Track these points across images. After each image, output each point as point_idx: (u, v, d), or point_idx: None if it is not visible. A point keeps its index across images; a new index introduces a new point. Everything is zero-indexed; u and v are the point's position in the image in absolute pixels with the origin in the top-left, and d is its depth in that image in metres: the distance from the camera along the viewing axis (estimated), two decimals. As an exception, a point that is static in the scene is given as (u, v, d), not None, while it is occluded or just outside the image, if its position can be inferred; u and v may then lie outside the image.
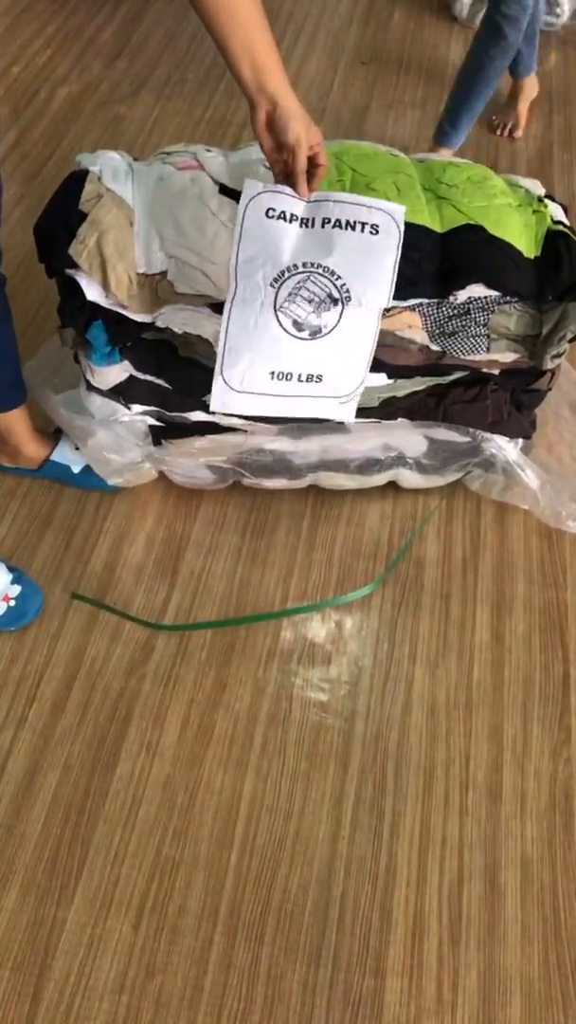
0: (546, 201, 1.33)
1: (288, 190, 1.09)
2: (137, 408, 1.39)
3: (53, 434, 1.56)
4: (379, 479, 1.53)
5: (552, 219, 1.30)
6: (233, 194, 1.27)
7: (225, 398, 1.20)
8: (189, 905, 1.16)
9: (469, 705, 1.36)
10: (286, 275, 1.12)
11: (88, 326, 1.26)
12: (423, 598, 1.47)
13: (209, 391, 1.32)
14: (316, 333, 1.17)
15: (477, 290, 1.25)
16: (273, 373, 1.18)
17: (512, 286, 1.25)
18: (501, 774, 1.29)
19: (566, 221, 1.33)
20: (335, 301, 1.14)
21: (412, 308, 1.27)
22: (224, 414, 1.29)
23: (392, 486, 1.57)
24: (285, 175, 1.08)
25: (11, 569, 1.41)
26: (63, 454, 1.53)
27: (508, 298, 1.27)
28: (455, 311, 1.27)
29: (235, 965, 1.12)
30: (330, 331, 1.17)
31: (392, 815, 1.25)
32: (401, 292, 1.24)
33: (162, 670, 1.36)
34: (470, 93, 2.06)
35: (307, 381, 1.20)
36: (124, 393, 1.36)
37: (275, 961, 1.13)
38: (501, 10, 1.90)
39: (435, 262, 1.25)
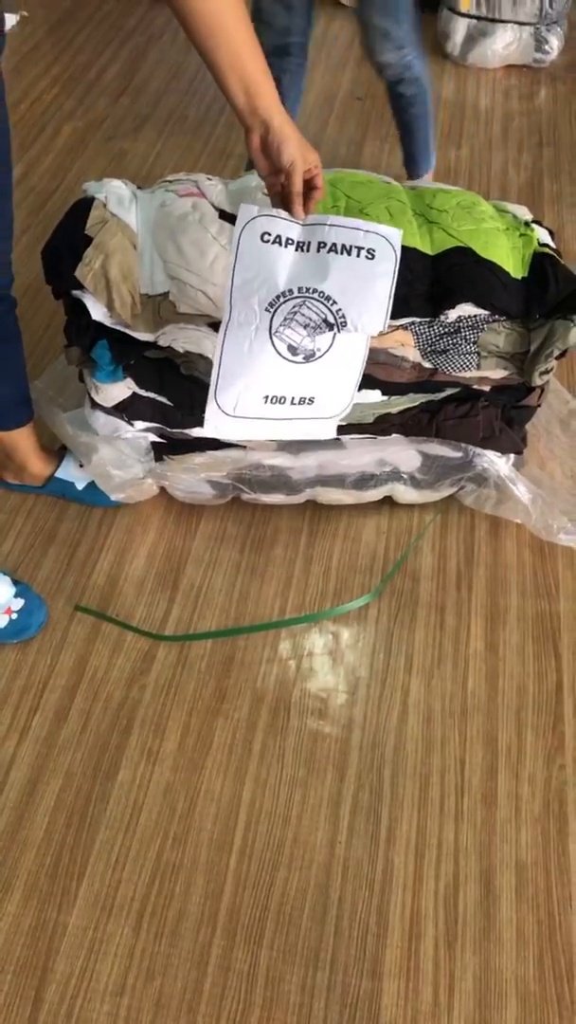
0: (533, 225, 1.39)
1: (284, 213, 1.10)
2: (139, 425, 1.44)
3: (58, 452, 1.60)
4: (375, 494, 1.57)
5: (539, 242, 1.36)
6: (232, 219, 1.32)
7: (218, 422, 1.22)
8: (189, 909, 1.18)
9: (464, 713, 1.38)
10: (281, 300, 1.14)
11: (93, 345, 1.31)
12: (418, 610, 1.50)
13: (207, 407, 1.37)
14: (310, 357, 1.19)
15: (467, 309, 1.30)
16: (267, 397, 1.20)
17: (500, 305, 1.30)
18: (496, 780, 1.31)
19: (552, 244, 1.39)
20: (330, 326, 1.16)
21: (404, 327, 1.32)
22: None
23: (388, 501, 1.61)
24: (281, 198, 1.10)
25: (15, 583, 1.44)
26: (67, 471, 1.57)
27: (497, 317, 1.32)
28: (446, 329, 1.32)
29: (234, 968, 1.14)
30: (323, 354, 1.19)
31: (389, 820, 1.27)
32: (394, 312, 1.29)
33: (163, 680, 1.39)
34: (411, 134, 2.12)
35: (300, 404, 1.23)
36: (127, 410, 1.41)
37: (273, 964, 1.14)
38: (383, 74, 1.94)
39: (426, 283, 1.30)
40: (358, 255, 1.12)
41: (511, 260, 1.32)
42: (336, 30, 2.98)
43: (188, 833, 1.24)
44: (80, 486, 1.57)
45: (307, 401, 1.23)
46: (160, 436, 1.47)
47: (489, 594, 1.53)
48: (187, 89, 2.68)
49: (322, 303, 1.14)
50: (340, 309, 1.15)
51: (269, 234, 1.11)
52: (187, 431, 1.44)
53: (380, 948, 1.16)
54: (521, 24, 2.77)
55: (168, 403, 1.40)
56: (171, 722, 1.35)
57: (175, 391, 1.38)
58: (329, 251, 1.12)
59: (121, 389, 1.37)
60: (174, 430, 1.44)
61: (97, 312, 1.27)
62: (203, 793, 1.28)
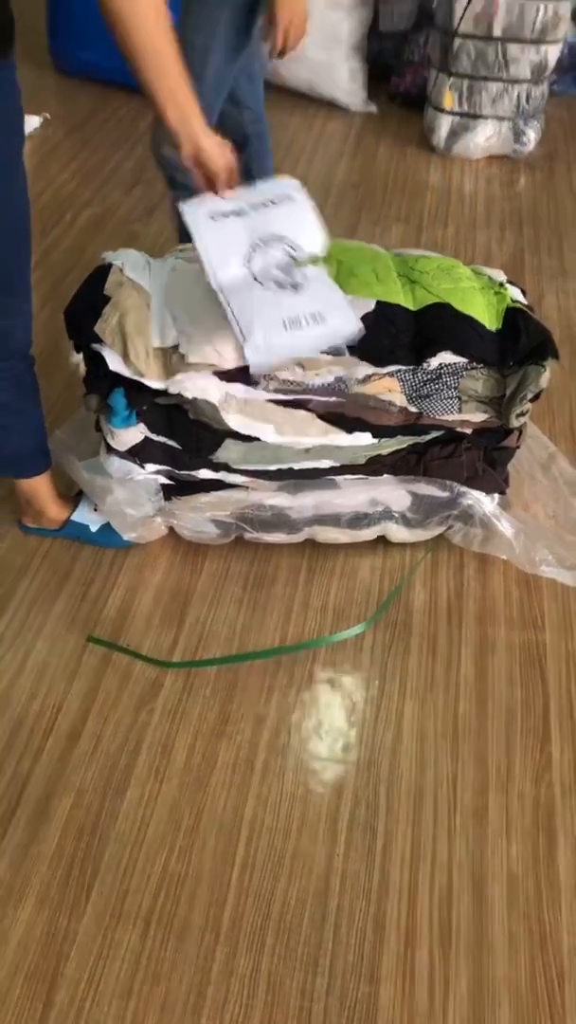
0: (506, 285, 1.54)
1: (212, 196, 1.34)
2: (151, 467, 1.56)
3: (73, 497, 1.73)
4: (369, 533, 1.68)
5: (511, 299, 1.51)
6: (235, 281, 1.48)
7: (258, 359, 1.32)
8: (193, 917, 1.23)
9: (456, 734, 1.45)
10: (252, 253, 1.34)
11: (110, 392, 1.44)
12: (411, 640, 1.59)
13: (214, 451, 1.50)
14: (297, 286, 1.35)
15: (447, 357, 1.44)
16: (284, 322, 1.33)
17: (477, 353, 1.44)
18: (487, 797, 1.38)
19: (524, 300, 1.54)
20: (293, 259, 1.37)
21: (391, 374, 1.45)
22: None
23: (382, 540, 1.72)
24: (208, 186, 1.34)
25: None
26: (82, 515, 1.69)
27: (475, 364, 1.46)
28: (429, 376, 1.46)
29: (236, 972, 1.19)
30: (306, 281, 1.36)
31: (384, 834, 1.33)
32: (380, 360, 1.44)
33: (170, 704, 1.47)
34: None
35: (312, 321, 1.34)
36: (139, 454, 1.53)
37: (274, 968, 1.19)
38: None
39: (410, 334, 1.44)
40: (282, 202, 1.39)
41: (487, 314, 1.47)
42: (332, 129, 3.26)
43: (193, 846, 1.30)
44: (94, 528, 1.68)
45: (318, 317, 1.34)
46: (169, 478, 1.59)
47: (478, 625, 1.62)
48: (195, 179, 2.92)
49: (279, 242, 1.37)
50: (292, 241, 1.37)
51: (216, 214, 1.34)
52: (194, 473, 1.57)
53: (377, 954, 1.21)
54: (500, 119, 3.03)
55: (177, 447, 1.52)
56: (177, 743, 1.42)
57: (184, 435, 1.50)
58: (260, 207, 1.36)
59: (134, 434, 1.50)
60: (183, 472, 1.57)
61: (114, 363, 1.41)
62: (207, 809, 1.35)
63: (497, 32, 2.86)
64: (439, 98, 3.05)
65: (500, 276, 1.59)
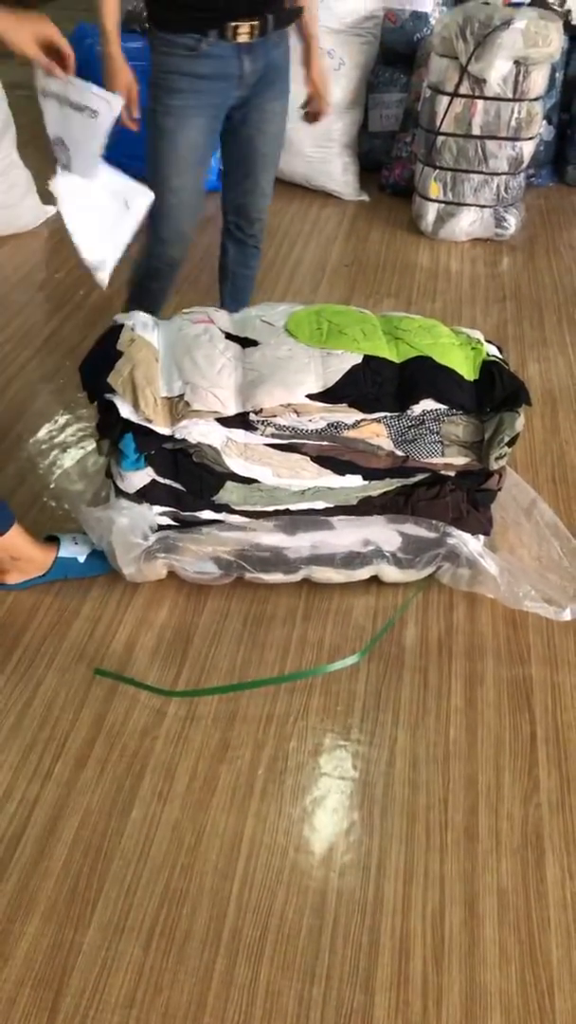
0: (483, 342, 1.69)
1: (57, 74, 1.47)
2: (157, 509, 1.68)
3: (47, 540, 1.80)
4: (363, 573, 1.78)
5: (487, 353, 1.65)
6: (235, 339, 1.63)
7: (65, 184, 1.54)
8: (194, 930, 1.28)
9: (447, 759, 1.52)
10: (55, 145, 1.57)
11: (121, 437, 1.57)
12: (403, 672, 1.67)
13: (216, 492, 1.62)
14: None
15: (429, 404, 1.58)
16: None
17: (457, 400, 1.58)
18: (477, 817, 1.43)
19: (500, 355, 1.68)
20: (64, 167, 1.55)
21: (378, 420, 1.59)
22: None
23: (375, 581, 1.82)
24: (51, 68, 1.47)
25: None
26: (67, 549, 1.77)
27: (454, 411, 1.59)
28: (412, 422, 1.59)
29: (236, 982, 1.22)
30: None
31: (379, 852, 1.38)
32: (368, 407, 1.57)
33: (173, 732, 1.54)
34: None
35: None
36: (147, 495, 1.65)
37: (273, 978, 1.23)
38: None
39: (394, 384, 1.58)
40: (84, 112, 1.49)
41: (465, 366, 1.61)
42: (327, 215, 3.51)
43: (195, 863, 1.36)
44: (82, 559, 1.77)
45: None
46: (174, 519, 1.70)
47: (467, 659, 1.70)
48: (200, 260, 3.13)
49: (60, 146, 1.55)
50: (70, 154, 1.54)
51: (45, 91, 1.51)
52: (197, 514, 1.68)
53: (372, 964, 1.25)
54: (482, 207, 3.27)
55: (182, 488, 1.64)
56: (180, 767, 1.49)
57: (188, 478, 1.62)
58: (72, 108, 1.49)
59: (143, 476, 1.62)
60: (186, 513, 1.68)
61: (125, 410, 1.55)
62: (208, 829, 1.40)
63: (476, 131, 3.12)
64: (426, 188, 3.30)
65: (477, 335, 1.74)
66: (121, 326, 1.64)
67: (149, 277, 2.14)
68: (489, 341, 1.74)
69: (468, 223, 3.29)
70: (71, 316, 2.77)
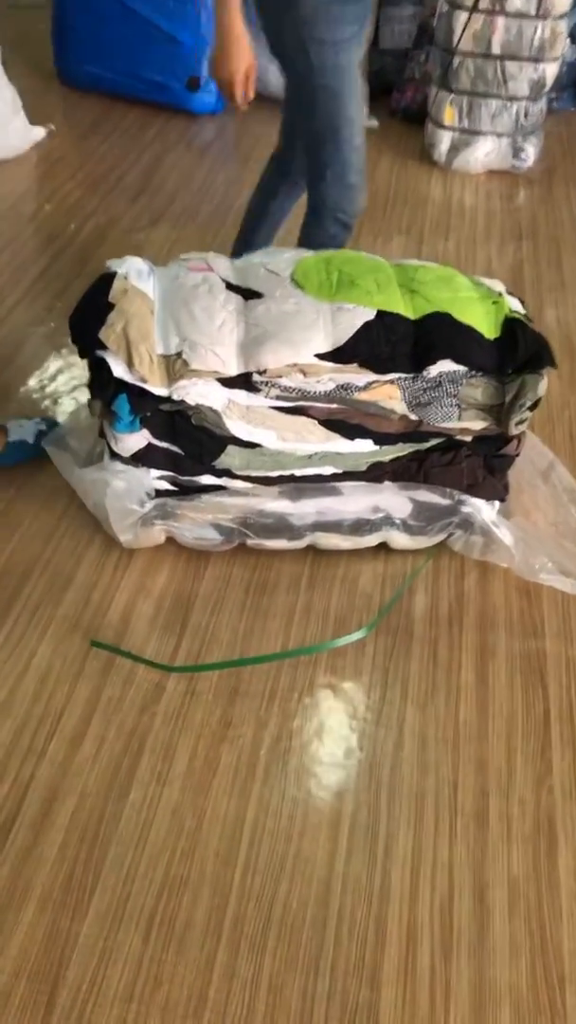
0: (504, 295, 1.56)
1: None
2: (154, 473, 1.58)
3: None
4: (371, 540, 1.70)
5: (510, 308, 1.53)
6: (237, 290, 1.51)
7: None
8: (195, 920, 1.24)
9: (456, 740, 1.46)
10: None
11: (114, 398, 1.46)
12: (412, 646, 1.60)
13: (216, 457, 1.52)
14: None
15: (447, 365, 1.46)
16: None
17: (477, 361, 1.46)
18: (487, 801, 1.38)
19: (522, 310, 1.56)
20: None
21: (392, 381, 1.47)
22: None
23: (384, 548, 1.73)
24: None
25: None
26: (17, 433, 1.78)
27: (474, 372, 1.48)
28: (428, 384, 1.48)
29: (238, 975, 1.19)
30: None
31: (386, 838, 1.33)
32: (381, 368, 1.46)
33: (172, 708, 1.48)
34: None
35: None
36: (143, 459, 1.55)
37: (276, 971, 1.19)
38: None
39: (409, 343, 1.46)
40: None
41: (485, 324, 1.49)
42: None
43: (195, 849, 1.31)
44: (32, 439, 1.78)
45: None
46: (172, 484, 1.60)
47: (479, 632, 1.63)
48: (199, 190, 2.96)
49: None
50: None
51: None
52: (196, 479, 1.58)
53: (378, 957, 1.21)
54: (499, 135, 3.07)
55: (180, 452, 1.54)
56: (180, 747, 1.43)
57: (187, 441, 1.52)
58: None
59: (138, 439, 1.52)
60: (185, 478, 1.58)
61: (118, 369, 1.43)
62: (209, 812, 1.35)
63: (496, 50, 2.90)
64: (439, 114, 3.09)
65: (498, 287, 1.61)
66: (113, 274, 1.51)
67: (336, 239, 1.94)
68: (510, 293, 1.61)
69: (484, 153, 3.09)
70: (63, 252, 2.61)
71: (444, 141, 3.11)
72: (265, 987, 1.18)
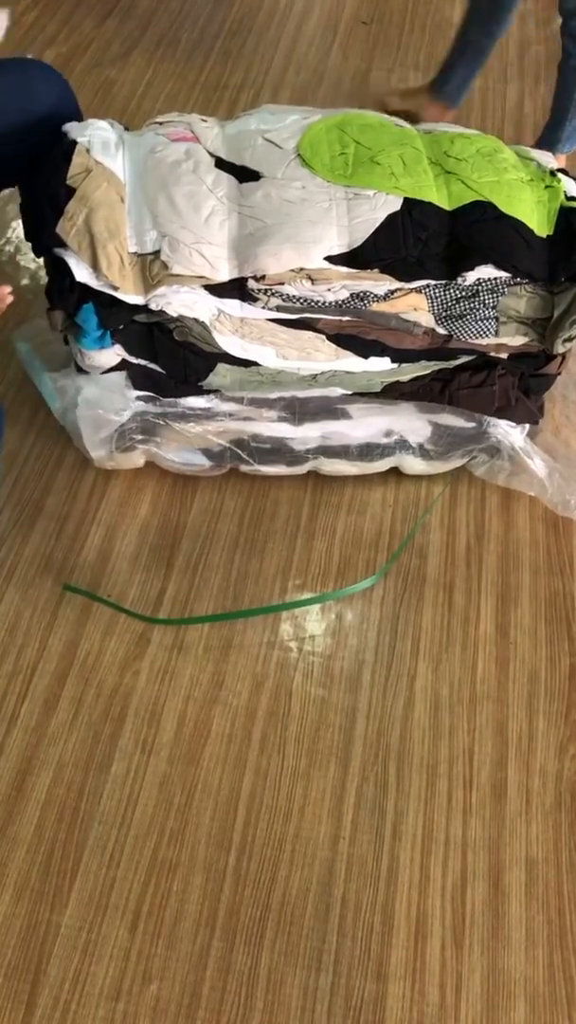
0: (559, 176, 1.27)
1: None
2: (131, 393, 1.33)
3: None
4: (381, 465, 1.48)
5: (566, 195, 1.24)
6: (230, 168, 1.21)
7: None
8: (187, 908, 1.14)
9: (473, 700, 1.32)
10: None
11: (78, 309, 1.19)
12: (426, 590, 1.43)
13: (204, 377, 1.28)
14: None
15: (487, 271, 1.19)
16: None
17: (524, 267, 1.19)
18: (506, 772, 1.26)
19: (581, 197, 1.26)
20: None
21: (418, 290, 1.21)
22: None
23: (394, 472, 1.53)
24: None
25: None
26: None
27: (519, 280, 1.21)
28: (463, 293, 1.21)
29: (234, 970, 1.10)
30: None
31: (394, 815, 1.22)
32: (407, 274, 1.19)
33: (158, 665, 1.33)
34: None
35: None
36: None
37: (275, 966, 1.10)
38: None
39: (442, 242, 1.19)
40: None
41: (535, 216, 1.21)
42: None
43: (185, 829, 1.19)
44: None
45: None
46: (154, 405, 1.36)
47: (500, 572, 1.46)
48: (179, 10, 2.48)
49: None
50: None
51: None
52: (181, 400, 1.34)
53: (385, 948, 1.12)
54: None
55: (161, 371, 1.29)
56: (167, 710, 1.28)
57: (168, 359, 1.27)
58: None
59: (109, 356, 1.26)
60: (168, 399, 1.34)
61: (81, 273, 1.16)
62: (201, 786, 1.22)
63: None
64: None
65: (551, 162, 1.31)
66: (72, 143, 1.19)
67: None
68: (563, 171, 1.31)
69: (520, -37, 2.58)
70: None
71: (473, -53, 2.59)
72: (263, 982, 1.09)
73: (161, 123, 1.27)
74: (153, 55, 2.33)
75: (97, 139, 1.19)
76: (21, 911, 1.12)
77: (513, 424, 1.43)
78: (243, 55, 2.36)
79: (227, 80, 2.28)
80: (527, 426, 1.46)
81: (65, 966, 1.09)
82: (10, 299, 1.07)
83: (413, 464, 1.49)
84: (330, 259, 1.16)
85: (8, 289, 1.06)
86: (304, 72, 2.32)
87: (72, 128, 1.22)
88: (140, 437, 1.41)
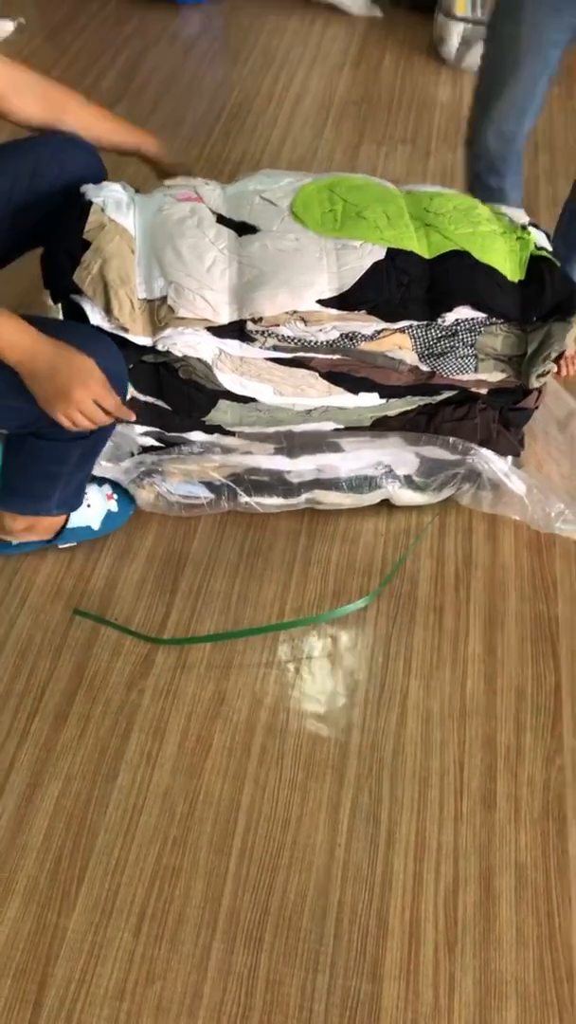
0: (530, 228, 1.40)
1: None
2: (138, 429, 1.44)
3: None
4: (373, 497, 1.58)
5: (536, 245, 1.36)
6: (229, 223, 1.34)
7: None
8: (188, 912, 1.18)
9: (463, 715, 1.38)
10: None
11: (91, 349, 1.31)
12: (417, 612, 1.50)
13: (207, 412, 1.38)
14: None
15: (464, 312, 1.31)
16: None
17: (498, 308, 1.31)
18: (495, 782, 1.32)
19: (549, 247, 1.39)
20: None
21: (402, 330, 1.32)
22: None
23: (386, 504, 1.62)
24: None
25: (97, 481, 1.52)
26: (81, 517, 1.50)
27: (494, 319, 1.33)
28: (443, 332, 1.33)
29: (234, 971, 1.14)
30: None
31: (388, 823, 1.27)
32: (391, 315, 1.30)
33: (162, 683, 1.39)
34: None
35: None
36: (125, 414, 1.40)
37: (274, 967, 1.14)
38: None
39: (423, 286, 1.30)
40: None
41: (508, 263, 1.33)
42: (332, 35, 3.00)
43: (187, 836, 1.24)
44: (96, 526, 1.52)
45: None
46: (159, 440, 1.47)
47: (487, 596, 1.53)
48: (183, 94, 2.69)
49: None
50: None
51: None
52: (185, 435, 1.45)
53: (380, 951, 1.16)
54: (516, 29, 2.77)
55: (166, 407, 1.40)
56: (170, 725, 1.35)
57: (174, 395, 1.38)
58: None
59: (119, 393, 1.37)
60: (172, 434, 1.45)
61: (95, 316, 1.27)
62: (202, 796, 1.28)
63: None
64: (450, 3, 2.79)
65: (522, 218, 1.44)
66: (88, 203, 1.33)
67: None
68: (533, 224, 1.44)
69: (498, 50, 2.80)
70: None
71: (454, 35, 2.82)
72: (262, 983, 1.13)
73: (168, 186, 1.41)
74: (160, 133, 2.51)
75: (111, 199, 1.33)
76: (29, 915, 1.17)
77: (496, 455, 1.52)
78: (243, 133, 2.55)
79: (228, 155, 2.46)
80: (510, 458, 1.55)
81: (71, 968, 1.13)
82: (132, 416, 1.24)
83: (403, 495, 1.58)
84: (321, 302, 1.28)
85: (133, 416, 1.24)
86: (300, 147, 2.51)
87: (88, 189, 1.36)
88: (144, 475, 1.51)
